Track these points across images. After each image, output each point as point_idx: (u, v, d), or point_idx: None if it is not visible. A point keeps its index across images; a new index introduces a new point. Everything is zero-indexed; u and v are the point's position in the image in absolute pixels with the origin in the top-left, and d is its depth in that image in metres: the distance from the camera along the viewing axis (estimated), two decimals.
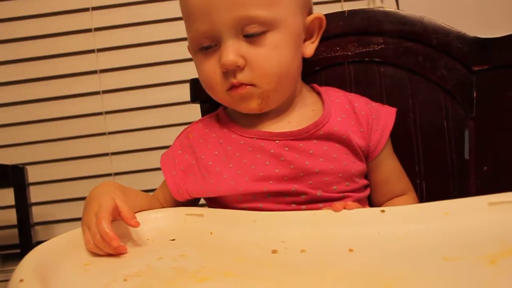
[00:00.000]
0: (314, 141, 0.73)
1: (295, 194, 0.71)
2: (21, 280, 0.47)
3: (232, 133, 0.76)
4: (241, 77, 0.69)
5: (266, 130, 0.74)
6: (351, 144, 0.74)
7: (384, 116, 0.79)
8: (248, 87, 0.70)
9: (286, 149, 0.72)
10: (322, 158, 0.72)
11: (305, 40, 0.77)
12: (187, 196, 0.75)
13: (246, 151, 0.73)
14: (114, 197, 0.65)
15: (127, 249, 0.62)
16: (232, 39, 0.68)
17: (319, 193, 0.71)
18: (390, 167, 0.80)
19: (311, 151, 0.72)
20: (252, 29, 0.68)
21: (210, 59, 0.71)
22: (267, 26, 0.68)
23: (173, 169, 0.77)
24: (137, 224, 0.64)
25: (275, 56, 0.69)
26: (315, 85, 0.83)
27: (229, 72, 0.70)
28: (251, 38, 0.68)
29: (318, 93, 0.81)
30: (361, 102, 0.79)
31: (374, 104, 0.80)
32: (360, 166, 0.75)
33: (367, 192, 0.78)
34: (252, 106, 0.72)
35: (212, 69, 0.71)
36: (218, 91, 0.73)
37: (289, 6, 0.70)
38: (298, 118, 0.76)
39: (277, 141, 0.73)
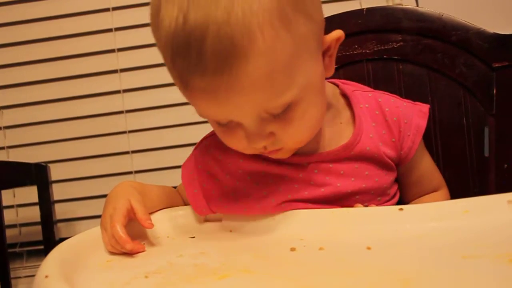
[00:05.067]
0: (345, 161, 0.69)
1: None
2: (46, 276, 0.49)
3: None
4: (272, 147, 0.62)
5: (294, 154, 0.67)
6: (382, 159, 0.70)
7: (417, 118, 0.74)
8: (280, 150, 0.64)
9: (315, 171, 0.68)
10: (353, 178, 0.69)
11: (323, 58, 0.64)
12: (209, 213, 0.71)
13: (273, 172, 0.69)
14: (130, 198, 0.66)
15: (146, 246, 0.64)
16: (256, 122, 0.58)
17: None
18: (422, 168, 0.78)
19: (341, 172, 0.69)
20: (276, 111, 0.57)
21: (233, 131, 0.61)
22: (292, 102, 0.57)
23: (194, 186, 0.72)
24: (150, 226, 0.64)
25: (305, 123, 0.61)
26: (340, 85, 0.75)
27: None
28: (275, 115, 0.58)
29: (344, 95, 0.74)
30: (391, 106, 0.73)
31: (405, 104, 0.75)
32: (391, 176, 0.73)
33: (396, 199, 0.75)
34: (283, 157, 0.66)
35: (237, 141, 0.62)
36: (247, 152, 0.65)
37: (308, 63, 0.58)
38: (327, 136, 0.71)
39: (306, 165, 0.69)
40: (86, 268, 0.57)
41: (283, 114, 0.58)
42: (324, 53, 0.64)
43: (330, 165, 0.69)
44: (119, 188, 0.70)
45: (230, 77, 0.51)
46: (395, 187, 0.76)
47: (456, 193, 0.81)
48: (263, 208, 0.68)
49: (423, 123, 0.74)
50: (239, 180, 0.71)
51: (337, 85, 0.76)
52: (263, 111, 0.57)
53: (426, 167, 0.79)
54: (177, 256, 0.59)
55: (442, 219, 0.57)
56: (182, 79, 0.55)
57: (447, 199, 0.78)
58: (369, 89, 0.78)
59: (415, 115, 0.74)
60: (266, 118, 0.58)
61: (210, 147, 0.74)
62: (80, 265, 0.57)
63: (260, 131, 0.59)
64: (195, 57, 0.51)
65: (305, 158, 0.69)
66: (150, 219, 0.65)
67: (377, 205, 0.70)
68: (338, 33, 0.63)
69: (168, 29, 0.52)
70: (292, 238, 0.60)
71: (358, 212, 0.63)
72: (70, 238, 0.63)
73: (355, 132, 0.70)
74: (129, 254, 0.62)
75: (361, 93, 0.74)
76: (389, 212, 0.60)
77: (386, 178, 0.72)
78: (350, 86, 0.76)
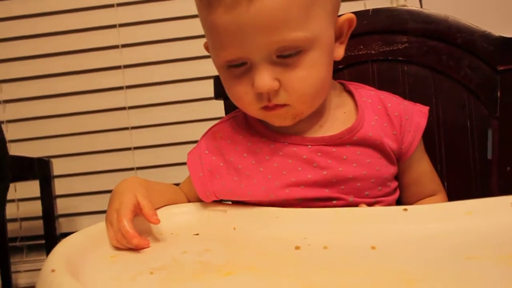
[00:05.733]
0: (348, 146, 0.71)
1: (327, 200, 0.69)
2: (53, 270, 0.49)
3: (261, 135, 0.74)
4: (276, 99, 0.66)
5: (298, 135, 0.72)
6: (384, 148, 0.72)
7: (417, 116, 0.77)
8: (283, 108, 0.67)
9: (319, 154, 0.70)
10: (355, 164, 0.70)
11: (334, 42, 0.71)
12: (214, 198, 0.72)
13: (277, 155, 0.71)
14: (136, 194, 0.66)
15: (151, 242, 0.64)
16: (265, 61, 0.63)
17: (351, 198, 0.70)
18: (421, 168, 0.79)
19: (344, 157, 0.70)
20: (286, 50, 0.63)
21: (241, 79, 0.67)
22: (302, 46, 0.63)
23: (200, 170, 0.75)
24: (157, 221, 0.64)
25: (311, 76, 0.65)
26: (346, 83, 0.80)
27: (263, 94, 0.66)
28: (285, 58, 0.64)
29: (349, 91, 0.78)
30: (393, 102, 0.76)
31: (406, 103, 0.78)
32: (392, 169, 0.74)
33: (396, 195, 0.76)
34: (287, 122, 0.70)
35: (243, 89, 0.67)
36: (250, 109, 0.70)
37: (323, 19, 0.65)
38: (330, 121, 0.74)
39: (310, 146, 0.71)
40: (91, 263, 0.57)
41: (292, 59, 0.63)
42: (337, 38, 0.71)
43: (334, 149, 0.71)
44: (125, 184, 0.70)
45: (255, 2, 0.59)
46: (396, 183, 0.77)
47: (458, 194, 0.81)
48: (267, 190, 0.70)
49: (423, 122, 0.76)
50: (242, 164, 0.73)
51: (342, 84, 0.80)
52: (274, 50, 0.62)
53: (425, 169, 0.80)
54: (182, 253, 0.59)
55: (446, 220, 0.57)
56: (210, 5, 0.62)
57: None
58: (372, 88, 0.80)
59: (415, 114, 0.77)
60: (275, 62, 0.63)
61: (219, 132, 0.78)
62: (84, 260, 0.57)
63: (268, 72, 0.63)
64: None
65: (309, 140, 0.71)
66: (157, 215, 0.65)
67: (377, 195, 0.72)
68: (349, 15, 0.71)
69: None
70: (296, 237, 0.60)
71: (362, 211, 0.63)
72: (75, 233, 0.63)
73: (357, 118, 0.72)
74: (134, 250, 0.62)
75: (365, 91, 0.78)
76: (393, 212, 0.61)
77: (387, 169, 0.73)
78: (355, 85, 0.80)
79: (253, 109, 0.69)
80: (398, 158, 0.76)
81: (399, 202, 0.78)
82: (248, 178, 0.71)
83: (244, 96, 0.68)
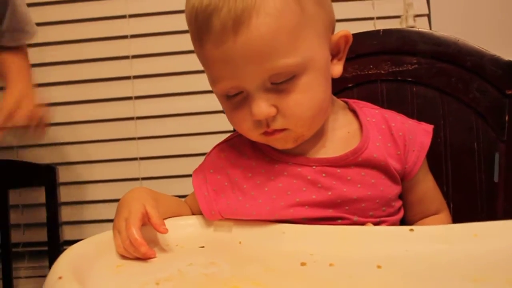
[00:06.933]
0: (352, 167, 0.71)
1: (331, 219, 0.69)
2: (60, 277, 0.49)
3: (266, 155, 0.74)
4: (275, 124, 0.66)
5: (302, 155, 0.72)
6: (389, 169, 0.72)
7: (421, 135, 0.77)
8: (282, 132, 0.68)
9: (324, 175, 0.70)
10: (360, 184, 0.70)
11: (332, 59, 0.72)
12: (219, 217, 0.72)
13: (282, 175, 0.72)
14: (145, 203, 0.67)
15: (156, 253, 0.64)
16: (260, 89, 0.64)
17: (355, 218, 0.70)
18: (425, 187, 0.79)
19: (348, 178, 0.70)
20: (279, 77, 0.63)
21: (239, 107, 0.68)
22: (294, 72, 0.64)
23: (205, 189, 0.74)
24: (165, 231, 0.65)
25: (307, 99, 0.65)
26: (350, 102, 0.80)
27: (261, 120, 0.66)
28: (279, 85, 0.64)
29: (353, 111, 0.78)
30: (397, 122, 0.76)
31: (410, 122, 0.78)
32: (396, 189, 0.74)
33: (401, 214, 0.76)
34: (288, 145, 0.71)
35: (242, 117, 0.68)
36: (251, 135, 0.71)
37: (314, 40, 0.65)
38: (334, 141, 0.74)
39: (314, 167, 0.71)
40: (97, 271, 0.57)
41: (286, 85, 0.64)
42: (334, 56, 0.71)
43: (338, 170, 0.71)
44: (133, 193, 0.71)
45: (241, 31, 0.60)
46: (400, 202, 0.77)
47: (464, 216, 0.81)
48: (271, 210, 0.69)
49: (427, 141, 0.76)
50: (247, 184, 0.73)
51: (346, 102, 0.80)
52: (267, 78, 0.63)
53: (429, 187, 0.80)
54: (187, 265, 0.59)
55: (452, 241, 0.57)
56: (199, 38, 0.65)
57: (449, 223, 0.79)
58: (376, 107, 0.80)
59: (419, 133, 0.77)
60: (270, 89, 0.64)
61: (224, 151, 0.78)
62: (90, 268, 0.57)
63: (264, 100, 0.64)
64: (213, 21, 0.61)
65: (313, 160, 0.72)
66: (164, 224, 0.65)
67: (381, 215, 0.72)
68: (344, 32, 0.70)
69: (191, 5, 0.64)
70: (302, 253, 0.60)
71: (369, 230, 0.63)
72: (82, 241, 0.63)
73: (362, 139, 0.72)
74: (139, 260, 0.62)
75: (369, 110, 0.78)
76: (400, 232, 0.61)
77: (391, 189, 0.73)
78: (359, 104, 0.79)
79: (253, 135, 0.70)
80: (402, 178, 0.76)
81: (403, 220, 0.78)
82: (253, 198, 0.71)
83: (243, 123, 0.69)
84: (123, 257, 0.63)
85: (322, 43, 0.67)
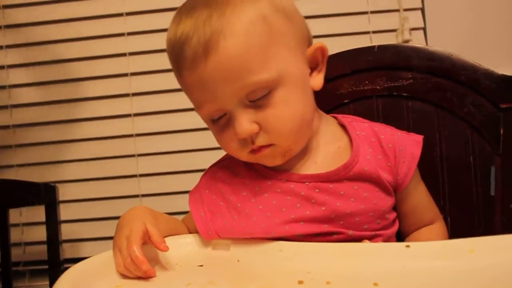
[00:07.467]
0: (344, 181, 0.72)
1: (326, 234, 0.70)
2: None
3: (258, 174, 0.75)
4: (259, 141, 0.68)
5: (294, 172, 0.73)
6: (381, 181, 0.73)
7: (411, 146, 0.77)
8: (268, 148, 0.69)
9: (317, 190, 0.71)
10: (353, 198, 0.71)
11: (311, 72, 0.74)
12: (216, 237, 0.73)
13: (275, 192, 0.72)
14: (145, 222, 0.67)
15: (156, 272, 0.64)
16: (240, 108, 0.66)
17: (350, 232, 0.70)
18: (418, 197, 0.80)
19: (341, 192, 0.71)
20: (256, 94, 0.65)
21: (225, 129, 0.70)
22: (270, 87, 0.66)
23: (201, 210, 0.75)
24: (166, 249, 0.65)
25: (286, 113, 0.67)
26: (339, 117, 0.81)
27: (246, 138, 0.68)
28: (257, 101, 0.66)
29: (342, 125, 0.79)
30: (387, 134, 0.77)
31: (400, 133, 0.79)
32: (390, 201, 0.75)
33: (396, 227, 0.77)
34: (277, 161, 0.72)
35: (228, 138, 0.70)
36: (240, 155, 0.72)
37: (285, 55, 0.68)
38: (325, 157, 0.75)
39: (307, 183, 0.72)
40: None
41: (264, 101, 0.66)
42: (314, 68, 0.74)
43: (331, 185, 0.71)
44: (133, 212, 0.72)
45: (210, 54, 0.63)
46: (394, 214, 0.77)
47: (461, 231, 0.82)
48: (267, 228, 0.70)
49: (417, 151, 0.77)
50: (242, 203, 0.73)
51: (335, 118, 0.81)
52: (244, 96, 0.65)
53: (422, 197, 0.81)
54: (186, 285, 0.59)
55: (449, 257, 0.58)
56: (177, 68, 0.69)
57: (444, 232, 0.81)
58: (366, 120, 0.81)
59: (409, 144, 0.78)
60: (249, 107, 0.66)
61: (218, 172, 0.79)
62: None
63: (245, 118, 0.66)
64: (185, 49, 0.65)
65: (306, 177, 0.72)
66: (165, 242, 0.66)
67: (376, 228, 0.72)
68: (318, 44, 0.72)
69: (168, 38, 0.69)
70: (299, 271, 0.60)
71: (366, 247, 0.64)
72: (82, 261, 0.64)
73: (353, 154, 0.73)
74: (138, 280, 0.62)
75: (358, 124, 0.79)
76: (396, 249, 0.61)
77: (384, 202, 0.74)
78: (348, 118, 0.81)
79: (242, 155, 0.71)
80: (394, 189, 0.76)
81: (398, 233, 0.79)
82: (248, 216, 0.72)
83: (230, 144, 0.70)
84: (123, 276, 0.64)
85: (295, 57, 0.69)
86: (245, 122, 0.66)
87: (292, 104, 0.68)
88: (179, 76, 0.69)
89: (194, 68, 0.65)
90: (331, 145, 0.76)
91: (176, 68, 0.69)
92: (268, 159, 0.72)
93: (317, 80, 0.74)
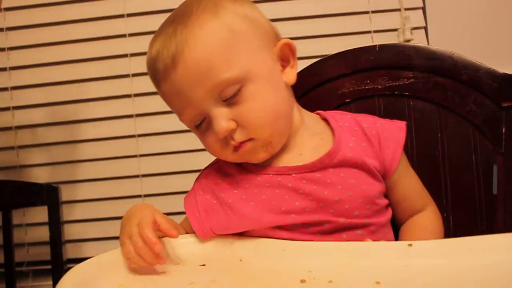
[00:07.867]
0: (330, 169, 0.74)
1: (318, 224, 0.71)
2: None
3: (247, 171, 0.77)
4: (238, 137, 0.71)
5: (281, 165, 0.76)
6: (367, 167, 0.75)
7: (395, 133, 0.79)
8: (248, 143, 0.72)
9: (304, 181, 0.73)
10: (340, 186, 0.73)
11: (283, 68, 0.77)
12: (211, 234, 0.75)
13: (264, 187, 0.75)
14: (153, 212, 0.70)
15: (157, 272, 0.65)
16: (214, 108, 0.70)
17: (341, 220, 0.71)
18: (407, 183, 0.81)
19: (328, 180, 0.73)
20: (227, 92, 0.69)
21: (206, 132, 0.73)
22: (239, 83, 0.69)
23: (196, 210, 0.77)
24: (176, 235, 0.68)
25: (258, 106, 0.71)
26: (321, 112, 0.84)
27: (226, 137, 0.71)
28: (230, 100, 0.70)
29: (325, 119, 0.82)
30: (369, 122, 0.80)
31: (383, 121, 0.81)
32: (379, 187, 0.76)
33: (389, 215, 0.78)
34: (261, 156, 0.75)
35: (211, 140, 0.73)
36: (225, 156, 0.75)
37: (249, 53, 0.71)
38: (309, 149, 0.77)
39: (294, 175, 0.74)
40: None
41: (236, 98, 0.70)
42: (285, 64, 0.77)
43: (317, 175, 0.74)
44: (138, 206, 0.75)
45: (178, 63, 0.68)
46: (386, 200, 0.78)
47: (464, 229, 0.82)
48: (260, 218, 0.72)
49: (402, 136, 0.79)
50: (233, 200, 0.75)
51: (318, 113, 0.85)
52: (217, 96, 0.69)
53: (411, 183, 0.82)
54: (189, 284, 0.60)
55: (450, 256, 0.58)
56: (155, 82, 0.74)
57: (438, 217, 0.81)
58: (348, 112, 0.84)
59: (394, 130, 0.80)
60: (224, 105, 0.70)
61: (210, 174, 0.82)
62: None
63: (221, 116, 0.69)
64: (158, 64, 0.71)
65: (292, 168, 0.75)
66: (174, 229, 0.68)
67: (367, 214, 0.73)
68: (284, 40, 0.76)
69: (146, 61, 0.75)
70: (301, 270, 0.60)
71: (368, 246, 0.64)
72: (85, 261, 0.64)
73: (335, 142, 0.76)
74: (140, 280, 0.63)
75: (340, 115, 0.82)
76: (398, 248, 0.61)
77: (373, 187, 0.75)
78: (330, 112, 0.85)
79: (226, 155, 0.75)
80: (383, 176, 0.78)
81: (392, 220, 0.80)
82: (240, 211, 0.74)
83: (214, 146, 0.74)
84: (126, 276, 0.64)
85: (262, 53, 0.73)
86: (222, 121, 0.69)
87: (263, 98, 0.71)
88: (158, 90, 0.75)
89: (167, 78, 0.70)
90: (315, 137, 0.79)
91: (155, 83, 0.75)
92: (252, 154, 0.74)
93: (290, 75, 0.77)
